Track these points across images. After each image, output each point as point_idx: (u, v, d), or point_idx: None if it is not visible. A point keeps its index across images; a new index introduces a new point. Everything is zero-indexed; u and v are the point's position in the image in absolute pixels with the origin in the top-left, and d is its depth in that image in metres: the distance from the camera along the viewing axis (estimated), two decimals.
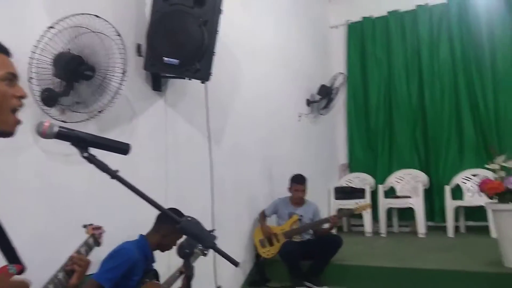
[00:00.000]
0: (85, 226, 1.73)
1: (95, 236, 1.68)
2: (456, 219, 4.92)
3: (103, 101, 2.38)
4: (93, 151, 1.12)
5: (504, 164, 3.35)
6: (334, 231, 4.05)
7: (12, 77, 1.03)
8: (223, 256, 1.22)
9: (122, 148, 1.15)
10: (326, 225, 3.92)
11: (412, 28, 5.62)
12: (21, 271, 1.03)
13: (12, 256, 1.04)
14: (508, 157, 3.41)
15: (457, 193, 5.00)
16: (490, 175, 3.70)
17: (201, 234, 1.15)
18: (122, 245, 2.17)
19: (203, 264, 2.55)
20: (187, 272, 1.19)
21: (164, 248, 2.28)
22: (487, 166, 3.53)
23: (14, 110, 1.02)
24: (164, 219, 2.24)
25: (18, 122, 1.03)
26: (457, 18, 5.35)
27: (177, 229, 1.11)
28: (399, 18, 5.71)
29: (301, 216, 3.91)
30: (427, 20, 5.53)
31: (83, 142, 1.10)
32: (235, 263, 1.23)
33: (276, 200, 4.04)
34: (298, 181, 3.93)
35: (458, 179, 5.05)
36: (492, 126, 5.09)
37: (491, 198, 3.35)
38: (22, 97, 1.03)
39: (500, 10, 5.11)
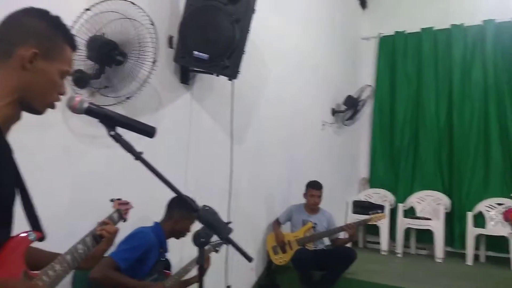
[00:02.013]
0: (112, 200, 1.73)
1: (120, 211, 1.68)
2: (477, 247, 4.75)
3: (132, 88, 2.39)
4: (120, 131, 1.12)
5: None
6: (349, 245, 3.97)
7: (67, 75, 1.10)
8: (237, 250, 1.19)
9: (148, 131, 1.14)
10: (341, 235, 3.84)
11: (445, 47, 5.51)
12: (41, 238, 1.05)
13: (35, 223, 1.06)
14: None
15: (480, 220, 4.84)
16: None
17: (217, 225, 1.13)
18: (139, 228, 2.20)
19: (215, 262, 2.52)
20: (200, 262, 1.16)
21: (178, 235, 2.27)
22: None
23: (52, 104, 1.07)
24: (176, 204, 2.23)
25: (52, 107, 1.08)
26: (492, 40, 5.21)
27: (190, 215, 1.10)
28: (432, 35, 5.60)
29: (315, 224, 3.85)
30: (461, 40, 5.41)
31: (111, 120, 1.10)
32: (249, 258, 1.20)
33: (290, 206, 3.99)
34: (314, 186, 3.88)
35: (481, 206, 4.89)
36: None
37: None
38: (62, 94, 1.08)
39: None
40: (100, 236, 1.43)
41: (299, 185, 4.42)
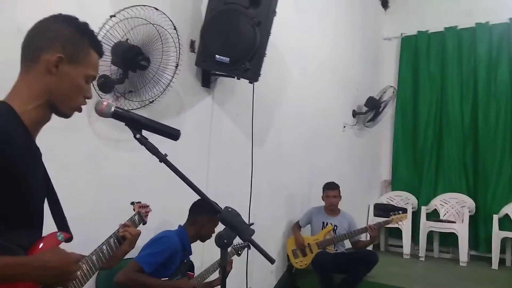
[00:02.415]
0: (132, 203, 1.77)
1: (140, 214, 1.72)
2: (502, 251, 4.63)
3: (155, 92, 2.45)
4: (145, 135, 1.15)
5: None
6: (370, 247, 3.93)
7: (93, 79, 1.13)
8: (259, 251, 1.21)
9: (172, 134, 1.18)
10: (363, 238, 3.80)
11: (470, 46, 5.39)
12: (69, 239, 1.08)
13: (62, 224, 1.10)
14: None
15: (506, 223, 4.72)
16: None
17: (240, 226, 1.15)
18: (164, 232, 2.22)
19: (236, 265, 2.55)
20: (223, 263, 1.18)
21: (204, 238, 2.30)
22: None
23: (78, 108, 1.11)
24: (199, 210, 2.26)
25: (78, 110, 1.12)
26: None
27: (214, 218, 1.12)
28: (456, 35, 5.49)
29: (335, 226, 3.82)
30: (487, 39, 5.28)
31: (136, 124, 1.13)
32: (271, 260, 1.22)
33: (310, 209, 3.98)
34: (329, 187, 3.86)
35: (508, 209, 4.76)
36: None
37: None
38: (88, 97, 1.12)
39: None
40: (123, 238, 1.47)
41: (319, 187, 4.40)
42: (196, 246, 2.41)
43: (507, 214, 4.74)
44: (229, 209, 1.16)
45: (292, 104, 4.05)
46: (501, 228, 4.63)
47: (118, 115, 1.12)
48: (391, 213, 3.90)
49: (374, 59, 5.88)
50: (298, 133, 4.15)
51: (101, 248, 1.40)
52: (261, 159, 3.55)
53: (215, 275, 2.37)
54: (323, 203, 3.94)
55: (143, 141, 1.11)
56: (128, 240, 1.48)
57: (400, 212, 3.96)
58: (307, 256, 3.76)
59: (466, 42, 5.43)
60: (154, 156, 1.10)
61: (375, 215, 5.23)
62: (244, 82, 3.05)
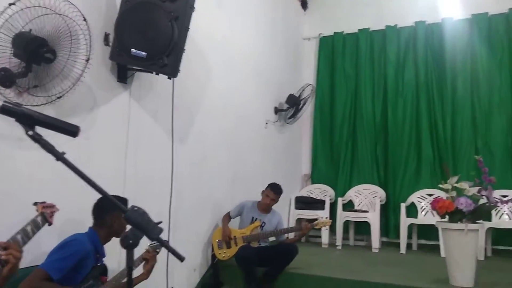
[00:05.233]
0: (35, 204, 1.65)
1: (44, 214, 1.60)
2: (410, 236, 5.05)
3: (63, 87, 2.30)
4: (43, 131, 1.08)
5: (455, 185, 3.48)
6: None
7: None
8: (168, 250, 1.20)
9: (70, 130, 1.12)
10: (288, 235, 3.93)
11: (381, 47, 5.79)
12: None
13: None
14: (460, 178, 3.55)
15: (412, 211, 5.14)
16: (444, 195, 3.83)
17: (146, 225, 1.13)
18: (73, 236, 2.09)
19: (156, 264, 2.49)
20: (129, 264, 1.16)
21: (118, 234, 2.18)
22: (440, 186, 3.65)
23: None
24: (104, 208, 2.17)
25: None
26: (423, 42, 5.56)
27: (121, 213, 1.09)
28: (369, 36, 5.87)
29: (263, 223, 3.91)
30: (395, 41, 5.71)
31: (29, 120, 1.06)
32: (180, 258, 1.21)
33: (243, 201, 4.02)
34: (273, 188, 3.94)
35: (413, 198, 5.20)
36: (448, 148, 5.29)
37: (442, 217, 3.46)
38: None
39: (462, 38, 5.36)
40: (5, 262, 1.24)
41: (243, 184, 4.48)
42: (112, 247, 2.31)
43: (413, 202, 5.18)
44: (135, 208, 1.13)
45: (214, 101, 4.05)
46: (408, 215, 5.04)
47: (7, 110, 1.04)
48: (317, 217, 4.15)
49: (295, 57, 6.08)
50: (221, 129, 4.17)
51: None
52: (183, 156, 3.51)
53: (137, 272, 2.30)
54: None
55: (36, 138, 1.04)
56: (10, 264, 1.24)
57: (326, 217, 4.28)
58: (231, 248, 3.80)
59: (378, 43, 5.82)
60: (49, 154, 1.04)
61: (296, 207, 5.43)
62: (163, 77, 2.98)
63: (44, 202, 1.66)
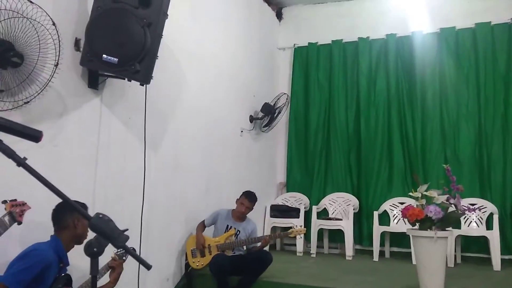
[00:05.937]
0: (4, 202, 1.56)
1: (13, 213, 1.53)
2: (382, 244, 5.12)
3: (31, 92, 2.25)
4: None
5: (425, 193, 3.55)
6: (266, 248, 4.06)
7: None
8: (134, 258, 1.17)
9: (32, 135, 1.08)
10: (258, 244, 3.92)
11: (353, 58, 5.90)
12: None
13: None
14: (430, 187, 3.63)
15: (385, 218, 5.21)
16: (415, 203, 3.90)
17: (111, 233, 1.10)
18: (34, 245, 2.01)
19: (127, 273, 2.44)
20: (93, 273, 1.12)
21: (81, 239, 2.12)
22: (410, 194, 3.72)
23: None
24: (64, 212, 2.11)
25: None
26: (394, 54, 5.70)
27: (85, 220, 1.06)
28: (342, 47, 5.98)
29: (238, 231, 3.89)
30: (367, 52, 5.83)
31: None
32: (147, 266, 1.19)
33: (218, 210, 4.00)
34: (248, 196, 3.93)
35: (386, 206, 5.28)
36: (418, 157, 5.41)
37: (413, 225, 3.53)
38: None
39: (431, 51, 5.52)
40: None
41: (217, 192, 4.45)
42: (77, 256, 2.24)
43: (385, 210, 5.26)
44: (100, 215, 1.10)
45: (189, 109, 4.02)
46: (381, 223, 5.12)
47: None
48: (292, 225, 4.15)
49: (270, 67, 6.13)
50: (195, 137, 4.14)
51: None
52: (156, 163, 3.46)
53: (103, 281, 2.24)
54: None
55: None
56: None
57: (301, 225, 4.29)
58: (205, 257, 3.76)
59: (350, 55, 5.93)
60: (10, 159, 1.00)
61: (271, 216, 5.43)
62: (136, 84, 2.94)
63: (14, 200, 1.58)
